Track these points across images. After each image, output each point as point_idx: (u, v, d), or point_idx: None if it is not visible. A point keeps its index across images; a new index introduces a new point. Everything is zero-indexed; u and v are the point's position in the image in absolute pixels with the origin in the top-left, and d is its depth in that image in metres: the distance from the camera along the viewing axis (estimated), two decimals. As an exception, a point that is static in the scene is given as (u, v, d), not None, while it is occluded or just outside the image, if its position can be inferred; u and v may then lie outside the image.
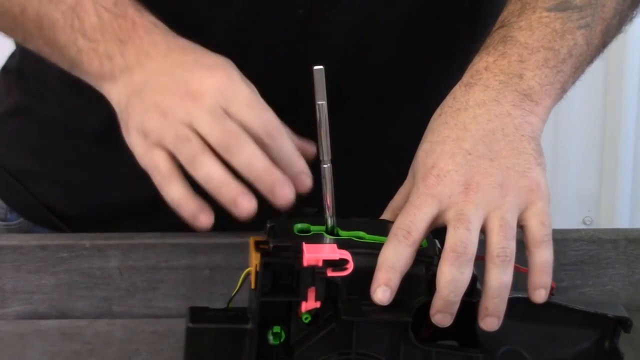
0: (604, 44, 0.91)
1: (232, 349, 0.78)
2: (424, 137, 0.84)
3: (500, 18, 0.90)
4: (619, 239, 1.01)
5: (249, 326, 0.78)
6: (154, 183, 0.81)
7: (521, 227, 0.80)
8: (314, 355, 0.79)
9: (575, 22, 0.88)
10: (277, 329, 0.79)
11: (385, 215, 0.85)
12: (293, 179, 0.79)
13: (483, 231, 0.79)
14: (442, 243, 0.78)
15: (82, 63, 0.84)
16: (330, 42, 0.97)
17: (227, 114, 0.77)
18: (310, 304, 0.77)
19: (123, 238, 0.98)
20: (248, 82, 0.80)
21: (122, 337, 0.94)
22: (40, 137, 1.08)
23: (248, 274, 0.79)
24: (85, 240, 0.98)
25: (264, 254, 0.77)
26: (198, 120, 0.77)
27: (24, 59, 1.07)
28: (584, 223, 2.16)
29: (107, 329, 0.95)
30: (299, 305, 0.78)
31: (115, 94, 0.83)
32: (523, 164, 0.81)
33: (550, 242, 0.80)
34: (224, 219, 0.78)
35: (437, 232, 0.81)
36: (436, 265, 0.78)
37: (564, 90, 0.87)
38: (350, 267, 0.77)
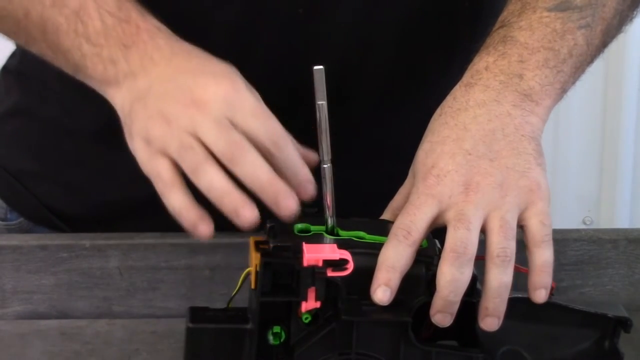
0: (604, 44, 0.91)
1: (232, 349, 0.78)
2: (424, 137, 0.84)
3: (501, 18, 0.90)
4: (619, 239, 1.01)
5: (249, 326, 0.78)
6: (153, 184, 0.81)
7: (521, 227, 0.80)
8: (314, 355, 0.79)
9: (576, 22, 0.88)
10: (277, 329, 0.79)
11: (385, 215, 0.85)
12: (297, 187, 0.78)
13: (483, 231, 0.79)
14: (442, 243, 0.78)
15: (86, 68, 0.84)
16: (330, 42, 0.97)
17: (232, 123, 0.77)
18: (310, 304, 0.77)
19: (123, 238, 0.98)
20: (252, 90, 0.80)
21: (122, 337, 0.94)
22: (40, 137, 1.08)
23: (248, 274, 0.79)
24: (85, 240, 0.98)
25: (264, 254, 0.77)
26: (202, 130, 0.77)
27: (24, 59, 1.07)
28: (584, 223, 2.16)
29: (107, 329, 0.95)
30: (299, 305, 0.78)
31: (119, 99, 0.83)
32: (523, 164, 0.81)
33: (551, 242, 0.80)
34: (224, 219, 0.78)
35: (437, 232, 0.81)
36: (436, 265, 0.78)
37: (564, 90, 0.87)
38: (350, 267, 0.77)
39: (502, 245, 0.78)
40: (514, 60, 0.85)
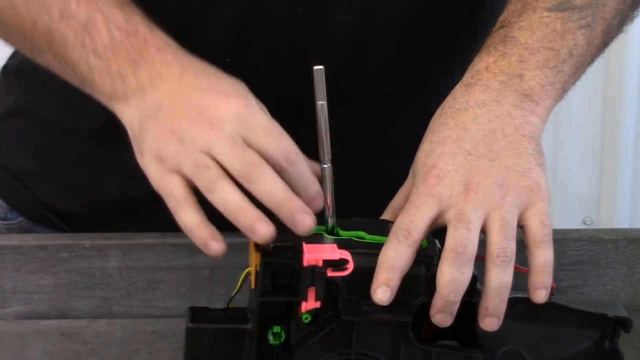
0: (604, 44, 0.91)
1: (232, 349, 0.78)
2: (424, 137, 0.84)
3: (501, 18, 0.90)
4: (619, 239, 1.01)
5: (249, 326, 0.78)
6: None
7: (521, 227, 0.80)
8: (314, 355, 0.79)
9: (576, 22, 0.88)
10: (277, 329, 0.79)
11: (386, 215, 0.85)
12: (308, 202, 0.79)
13: (483, 231, 0.79)
14: (442, 243, 0.78)
15: (94, 82, 0.84)
16: (330, 42, 0.97)
17: (246, 141, 0.77)
18: (310, 304, 0.77)
19: (123, 238, 0.98)
20: (263, 107, 0.80)
21: (122, 337, 0.94)
22: (40, 137, 1.08)
23: (248, 274, 0.79)
24: (85, 240, 0.98)
25: (264, 254, 0.77)
26: (217, 149, 0.77)
27: (24, 59, 1.07)
28: (584, 223, 2.16)
29: (107, 329, 0.95)
30: (299, 305, 0.78)
31: (127, 115, 0.82)
32: (523, 164, 0.81)
33: (551, 242, 0.80)
34: (224, 219, 0.78)
35: (437, 232, 0.81)
36: (436, 265, 0.78)
37: (564, 90, 0.87)
38: (350, 267, 0.77)
39: (502, 245, 0.78)
40: (514, 61, 0.85)
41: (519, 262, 0.79)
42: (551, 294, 0.80)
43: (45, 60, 0.88)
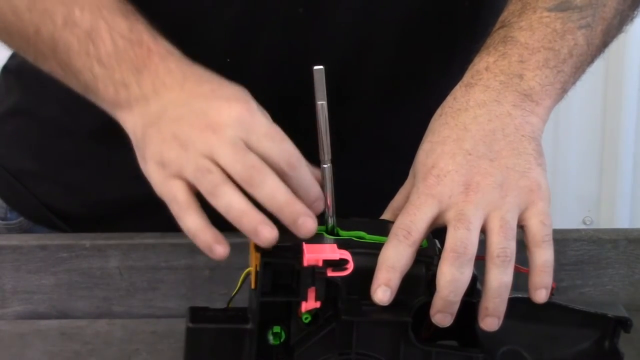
0: (604, 44, 0.91)
1: (232, 349, 0.78)
2: (424, 137, 0.84)
3: (501, 18, 0.90)
4: (619, 239, 1.01)
5: (249, 326, 0.78)
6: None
7: (521, 227, 0.80)
8: (314, 355, 0.79)
9: (576, 22, 0.88)
10: (277, 329, 0.79)
11: (386, 215, 0.85)
12: (310, 205, 0.79)
13: (483, 231, 0.79)
14: (442, 243, 0.78)
15: (97, 90, 0.84)
16: (330, 42, 0.97)
17: (247, 145, 0.77)
18: (310, 304, 0.77)
19: (123, 238, 0.98)
20: (264, 112, 0.80)
21: (122, 337, 0.94)
22: (40, 137, 1.08)
23: (248, 274, 0.79)
24: (85, 240, 0.98)
25: (264, 254, 0.77)
26: (219, 153, 0.77)
27: (24, 59, 1.07)
28: (584, 223, 2.16)
29: (107, 329, 0.95)
30: (299, 305, 0.78)
31: (131, 123, 0.83)
32: (523, 164, 0.81)
33: (551, 242, 0.80)
34: (224, 219, 0.78)
35: (437, 232, 0.81)
36: (436, 265, 0.78)
37: (564, 90, 0.87)
38: (350, 267, 0.77)
39: (502, 245, 0.78)
40: (514, 61, 0.85)
41: (519, 262, 0.79)
42: (551, 294, 0.80)
43: (48, 67, 0.88)
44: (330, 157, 0.79)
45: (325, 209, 0.80)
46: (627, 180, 2.14)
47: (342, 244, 0.78)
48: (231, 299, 0.82)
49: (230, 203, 0.77)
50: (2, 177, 1.10)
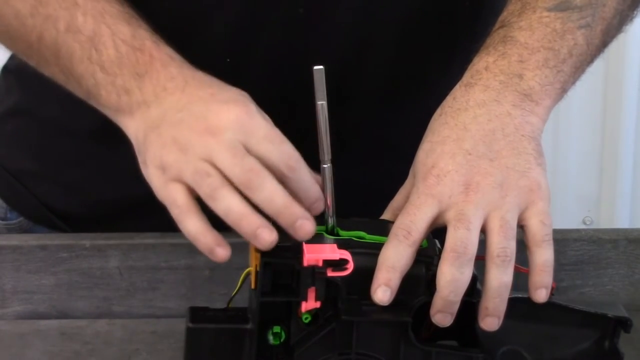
0: (604, 43, 0.91)
1: (232, 349, 0.78)
2: (424, 137, 0.84)
3: (501, 18, 0.90)
4: (619, 239, 1.01)
5: (249, 326, 0.78)
6: None
7: (521, 227, 0.80)
8: (314, 355, 0.79)
9: (576, 22, 0.88)
10: (277, 329, 0.79)
11: (386, 215, 0.85)
12: (310, 206, 0.79)
13: (483, 231, 0.79)
14: (442, 243, 0.78)
15: (100, 96, 0.84)
16: (330, 42, 0.97)
17: (246, 148, 0.77)
18: (310, 304, 0.77)
19: (123, 238, 0.98)
20: (264, 115, 0.80)
21: (122, 337, 0.94)
22: (40, 137, 1.08)
23: (248, 274, 0.79)
24: (85, 240, 0.98)
25: (264, 254, 0.77)
26: (218, 156, 0.77)
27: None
28: (584, 223, 2.16)
29: (107, 329, 0.95)
30: (299, 305, 0.78)
31: (132, 128, 0.83)
32: (523, 164, 0.81)
33: (551, 242, 0.80)
34: (224, 221, 0.78)
35: (437, 232, 0.81)
36: (436, 265, 0.78)
37: (564, 90, 0.87)
38: (350, 267, 0.77)
39: (502, 245, 0.78)
40: (514, 60, 0.85)
41: (519, 262, 0.79)
42: (551, 293, 0.80)
43: (51, 72, 0.88)
44: (330, 157, 0.79)
45: (325, 209, 0.80)
46: (627, 180, 2.14)
47: (342, 244, 0.78)
48: (231, 299, 0.82)
49: (229, 206, 0.77)
50: (2, 177, 1.10)
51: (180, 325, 0.80)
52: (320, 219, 0.80)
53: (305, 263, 0.76)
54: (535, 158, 0.82)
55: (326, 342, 0.79)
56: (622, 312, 0.85)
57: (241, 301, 0.81)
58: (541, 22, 0.87)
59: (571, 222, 2.13)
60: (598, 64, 0.92)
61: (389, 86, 1.02)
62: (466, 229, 0.77)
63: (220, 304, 0.82)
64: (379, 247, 0.78)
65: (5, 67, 1.12)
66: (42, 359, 0.91)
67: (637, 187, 2.15)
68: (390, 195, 0.86)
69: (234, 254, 0.78)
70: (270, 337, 0.79)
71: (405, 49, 1.00)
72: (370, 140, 1.04)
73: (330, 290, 0.78)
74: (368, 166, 1.04)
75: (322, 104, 0.78)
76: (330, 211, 0.80)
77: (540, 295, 0.79)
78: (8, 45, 0.92)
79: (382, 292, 0.77)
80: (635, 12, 0.95)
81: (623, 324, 0.84)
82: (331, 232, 0.81)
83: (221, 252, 0.77)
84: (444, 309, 0.78)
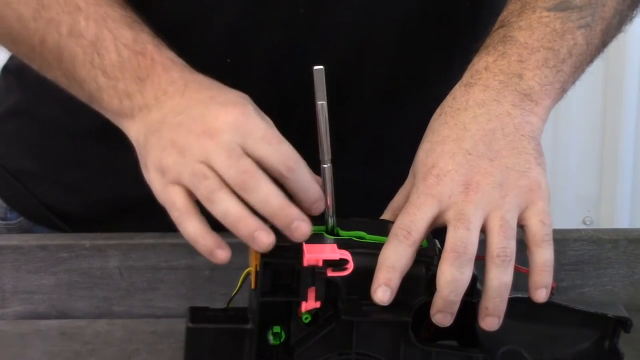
0: (604, 43, 0.91)
1: (232, 349, 0.78)
2: (424, 137, 0.84)
3: (500, 18, 0.90)
4: (619, 239, 1.01)
5: (249, 326, 0.78)
6: None
7: (521, 227, 0.80)
8: (314, 355, 0.79)
9: (575, 22, 0.88)
10: (277, 329, 0.79)
11: (386, 215, 0.85)
12: (310, 206, 0.79)
13: (483, 231, 0.79)
14: (442, 243, 0.78)
15: (102, 100, 0.84)
16: (331, 42, 0.97)
17: (244, 149, 0.77)
18: (310, 304, 0.77)
19: (123, 238, 0.98)
20: (264, 115, 0.80)
21: (122, 337, 0.94)
22: (40, 137, 1.08)
23: (248, 274, 0.79)
24: (85, 240, 0.98)
25: (264, 254, 0.77)
26: (214, 158, 0.77)
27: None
28: (584, 223, 2.16)
29: (107, 329, 0.95)
30: (299, 305, 0.78)
31: (133, 131, 0.83)
32: (523, 163, 0.81)
33: (551, 242, 0.80)
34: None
35: (437, 232, 0.81)
36: (436, 265, 0.78)
37: (564, 90, 0.87)
38: (350, 267, 0.77)
39: (502, 245, 0.78)
40: (513, 60, 0.85)
41: (519, 262, 0.79)
42: (551, 293, 0.80)
43: (53, 76, 0.88)
44: (330, 157, 0.79)
45: (325, 209, 0.80)
46: (627, 180, 2.14)
47: (342, 244, 0.78)
48: (231, 299, 0.82)
49: (226, 209, 0.77)
50: (2, 177, 1.10)
51: (180, 325, 0.80)
52: (320, 219, 0.80)
53: (305, 263, 0.76)
54: (535, 158, 0.82)
55: (326, 342, 0.79)
56: (622, 312, 0.85)
57: (241, 301, 0.81)
58: (541, 22, 0.87)
59: (571, 222, 2.13)
60: (598, 64, 0.92)
61: (389, 86, 1.02)
62: (466, 229, 0.77)
63: (220, 304, 0.82)
64: (379, 247, 0.78)
65: (5, 67, 1.12)
66: (42, 359, 0.91)
67: (637, 187, 2.15)
68: (390, 195, 0.86)
69: (234, 254, 0.78)
70: (270, 337, 0.79)
71: (405, 49, 1.00)
72: (370, 140, 1.04)
73: (330, 290, 0.78)
74: (368, 166, 1.04)
75: (322, 104, 0.78)
76: (330, 211, 0.80)
77: (541, 295, 0.79)
78: (10, 48, 0.92)
79: (382, 292, 0.77)
80: (635, 12, 0.95)
81: (623, 324, 0.84)
82: (331, 232, 0.81)
83: (221, 254, 0.77)
84: (444, 309, 0.78)
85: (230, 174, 0.77)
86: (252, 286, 0.78)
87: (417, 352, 0.80)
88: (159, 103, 0.82)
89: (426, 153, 0.82)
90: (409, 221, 0.79)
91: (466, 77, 0.86)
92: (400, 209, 0.81)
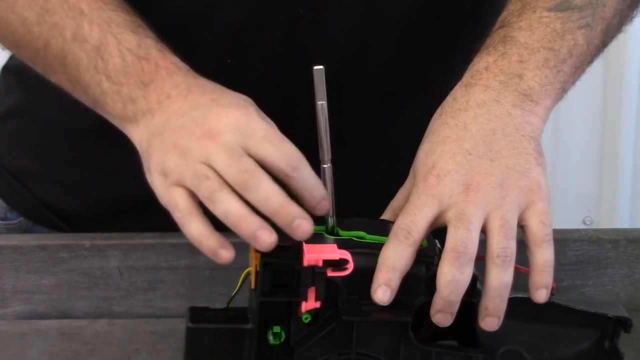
0: (604, 43, 0.91)
1: (232, 349, 0.78)
2: (424, 137, 0.84)
3: (501, 18, 0.90)
4: (619, 239, 1.01)
5: (249, 326, 0.78)
6: None
7: (522, 227, 0.80)
8: (314, 355, 0.79)
9: (576, 22, 0.88)
10: (277, 329, 0.79)
11: (386, 215, 0.85)
12: (315, 205, 0.79)
13: (483, 231, 0.79)
14: (442, 243, 0.78)
15: (106, 105, 0.85)
16: (331, 42, 0.97)
17: (246, 150, 0.78)
18: (310, 304, 0.77)
19: (123, 238, 0.98)
20: (266, 117, 0.80)
21: (122, 337, 0.94)
22: (40, 137, 1.08)
23: (248, 274, 0.79)
24: (85, 240, 0.98)
25: (264, 254, 0.77)
26: (215, 159, 0.77)
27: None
28: (584, 223, 2.16)
29: (107, 329, 0.95)
30: (299, 305, 0.78)
31: (137, 135, 0.83)
32: (523, 164, 0.81)
33: (551, 242, 0.80)
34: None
35: (437, 232, 0.81)
36: (436, 265, 0.78)
37: (564, 90, 0.87)
38: (350, 267, 0.77)
39: (503, 245, 0.78)
40: (514, 60, 0.85)
41: (519, 262, 0.79)
42: (551, 293, 0.80)
43: (58, 80, 0.88)
44: (330, 157, 0.79)
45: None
46: (627, 180, 2.14)
47: (342, 244, 0.78)
48: (231, 299, 0.82)
49: (228, 209, 0.77)
50: (2, 177, 1.10)
51: (180, 325, 0.80)
52: (320, 219, 0.80)
53: (305, 263, 0.76)
54: (536, 158, 0.82)
55: (326, 342, 0.79)
56: (622, 312, 0.85)
57: (241, 301, 0.81)
58: (541, 22, 0.87)
59: (571, 222, 2.13)
60: (598, 64, 0.92)
61: (389, 86, 1.02)
62: (466, 229, 0.77)
63: (220, 304, 0.82)
64: (379, 247, 0.78)
65: (5, 67, 1.12)
66: (42, 359, 0.91)
67: (637, 187, 2.15)
68: (390, 195, 0.86)
69: (235, 254, 0.78)
70: (270, 337, 0.79)
71: (406, 49, 1.00)
72: (370, 140, 1.04)
73: (330, 290, 0.78)
74: (368, 166, 1.04)
75: (322, 104, 0.78)
76: (330, 211, 0.80)
77: (541, 295, 0.79)
78: (14, 52, 0.93)
79: (382, 292, 0.77)
80: (635, 12, 0.95)
81: (623, 324, 0.84)
82: (331, 232, 0.81)
83: (225, 254, 0.78)
84: (444, 309, 0.78)
85: (231, 174, 0.77)
86: (252, 286, 0.78)
87: (417, 352, 0.80)
88: (162, 107, 0.82)
89: (426, 153, 0.82)
90: (409, 221, 0.79)
91: (466, 77, 0.86)
92: (400, 209, 0.81)
